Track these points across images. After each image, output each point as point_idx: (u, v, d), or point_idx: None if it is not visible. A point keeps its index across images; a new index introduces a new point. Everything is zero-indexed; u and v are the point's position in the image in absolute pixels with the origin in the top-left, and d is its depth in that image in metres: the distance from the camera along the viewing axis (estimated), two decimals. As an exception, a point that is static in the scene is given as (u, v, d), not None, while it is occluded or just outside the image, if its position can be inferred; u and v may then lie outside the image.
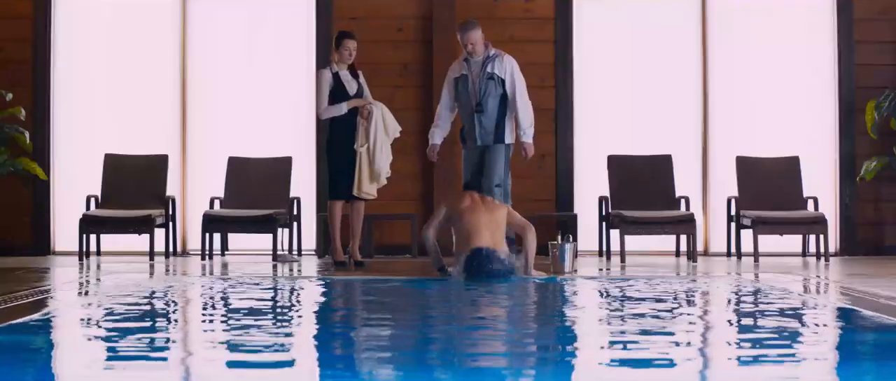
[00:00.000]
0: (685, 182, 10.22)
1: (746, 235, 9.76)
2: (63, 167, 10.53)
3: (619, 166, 10.09)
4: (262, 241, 9.80)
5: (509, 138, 8.46)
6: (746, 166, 10.07)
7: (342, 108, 8.65)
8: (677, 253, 10.06)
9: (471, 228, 7.55)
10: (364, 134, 8.63)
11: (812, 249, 9.90)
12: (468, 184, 8.12)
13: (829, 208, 10.25)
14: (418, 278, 7.79)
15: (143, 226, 9.54)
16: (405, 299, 6.60)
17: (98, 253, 9.95)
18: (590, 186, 10.31)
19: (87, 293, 6.90)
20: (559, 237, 8.15)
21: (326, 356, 4.42)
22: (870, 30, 10.45)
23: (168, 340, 4.79)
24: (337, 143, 8.70)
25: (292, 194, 9.96)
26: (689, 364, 4.15)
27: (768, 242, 9.76)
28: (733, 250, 9.89)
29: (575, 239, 8.91)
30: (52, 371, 4.03)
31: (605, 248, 9.88)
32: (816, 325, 5.31)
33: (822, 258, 9.47)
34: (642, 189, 9.97)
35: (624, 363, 4.21)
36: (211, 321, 5.52)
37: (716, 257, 10.11)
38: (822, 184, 10.32)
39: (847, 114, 10.41)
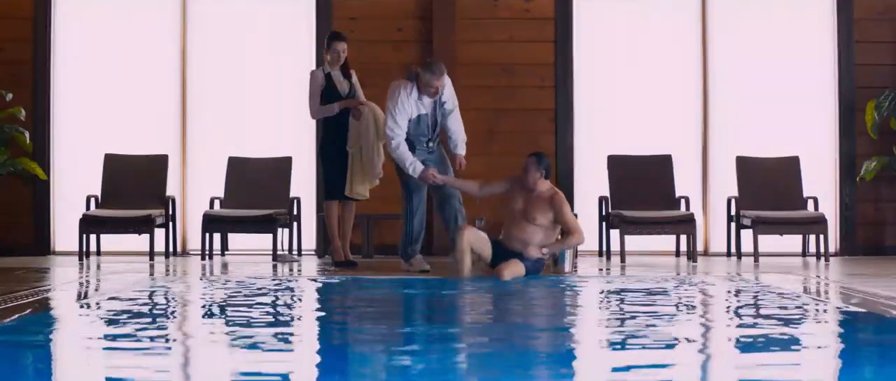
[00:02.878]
0: (685, 182, 10.22)
1: (746, 235, 9.76)
2: (63, 167, 10.53)
3: (619, 166, 10.09)
4: (262, 241, 9.80)
5: None
6: (746, 166, 10.07)
7: (334, 108, 8.66)
8: (677, 253, 10.06)
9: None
10: (355, 135, 8.63)
11: (812, 249, 9.90)
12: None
13: (829, 208, 10.26)
14: (416, 277, 7.80)
15: (143, 226, 9.53)
16: (403, 299, 6.60)
17: (98, 253, 9.95)
18: (590, 186, 10.30)
19: (87, 293, 6.90)
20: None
21: (327, 355, 4.42)
22: (870, 30, 10.45)
23: (168, 340, 4.79)
24: (330, 144, 8.71)
25: (292, 194, 9.96)
26: (688, 365, 4.15)
27: (768, 242, 9.76)
28: (733, 250, 9.89)
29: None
30: (51, 371, 4.03)
31: (605, 248, 9.88)
32: (816, 325, 5.30)
33: (822, 258, 9.47)
34: (642, 189, 9.97)
35: (623, 363, 4.21)
36: (211, 322, 5.51)
37: (716, 257, 10.11)
38: (822, 184, 10.32)
39: (847, 114, 10.41)
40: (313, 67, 10.05)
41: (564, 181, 10.35)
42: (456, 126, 8.31)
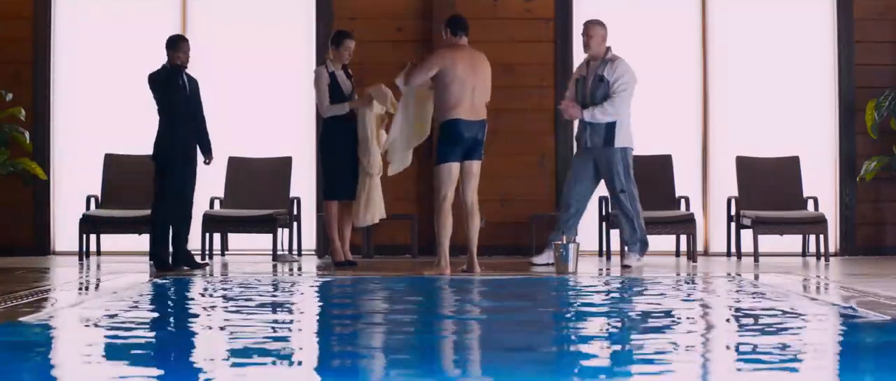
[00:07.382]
0: (685, 182, 10.22)
1: (746, 235, 9.76)
2: (63, 167, 10.53)
3: (620, 166, 10.07)
4: (262, 241, 9.80)
5: (622, 142, 8.48)
6: (746, 166, 10.07)
7: (344, 107, 8.67)
8: (677, 253, 10.06)
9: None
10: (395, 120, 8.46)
11: (812, 249, 9.90)
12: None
13: (829, 208, 10.25)
14: (417, 276, 7.80)
15: (142, 226, 9.52)
16: (404, 299, 6.60)
17: (98, 253, 9.95)
18: (590, 186, 10.28)
19: (87, 293, 6.90)
20: (564, 237, 8.12)
21: (327, 355, 4.42)
22: (870, 30, 10.45)
23: (168, 340, 4.79)
24: (333, 143, 8.71)
25: (292, 194, 9.96)
26: (688, 365, 4.15)
27: (768, 242, 9.76)
28: (733, 250, 9.89)
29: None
30: (51, 371, 4.03)
31: (605, 248, 9.88)
32: (816, 325, 5.30)
33: (822, 258, 9.47)
34: (643, 189, 9.92)
35: (622, 363, 4.21)
36: (211, 321, 5.51)
37: (716, 257, 10.11)
38: (822, 184, 10.32)
39: (847, 114, 10.41)
40: (314, 67, 10.04)
41: (564, 181, 10.34)
42: (611, 99, 8.48)
